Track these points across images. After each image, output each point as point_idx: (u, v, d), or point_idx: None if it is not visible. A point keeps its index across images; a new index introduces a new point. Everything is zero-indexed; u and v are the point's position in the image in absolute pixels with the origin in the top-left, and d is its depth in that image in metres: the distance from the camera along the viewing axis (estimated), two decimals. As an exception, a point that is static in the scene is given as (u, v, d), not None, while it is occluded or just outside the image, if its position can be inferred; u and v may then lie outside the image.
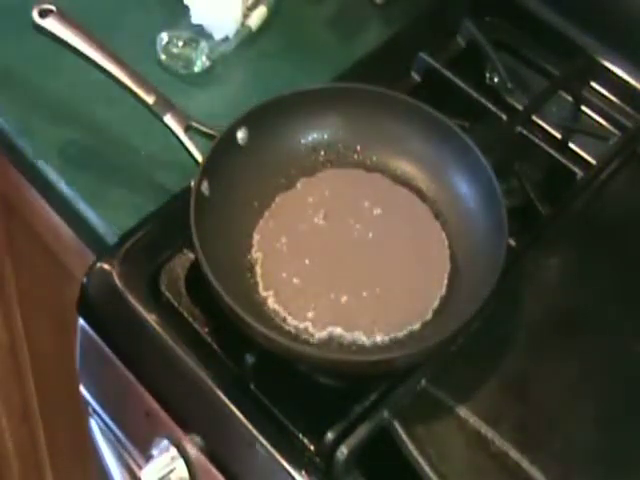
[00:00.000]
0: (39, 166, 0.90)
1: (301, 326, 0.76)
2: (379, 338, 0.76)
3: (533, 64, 0.99)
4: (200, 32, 0.98)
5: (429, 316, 0.77)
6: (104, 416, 0.88)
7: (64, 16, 0.83)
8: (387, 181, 0.84)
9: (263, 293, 0.78)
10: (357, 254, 0.80)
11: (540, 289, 0.83)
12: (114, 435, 0.88)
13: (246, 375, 0.76)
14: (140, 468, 0.81)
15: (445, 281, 0.79)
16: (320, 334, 0.76)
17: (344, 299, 0.78)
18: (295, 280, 0.78)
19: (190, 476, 0.79)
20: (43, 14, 0.83)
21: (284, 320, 0.77)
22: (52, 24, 0.83)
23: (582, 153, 0.94)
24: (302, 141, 0.86)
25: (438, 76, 0.94)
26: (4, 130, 0.92)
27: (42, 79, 0.95)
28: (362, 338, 0.76)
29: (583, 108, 0.96)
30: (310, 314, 0.76)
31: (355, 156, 0.86)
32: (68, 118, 0.93)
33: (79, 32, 0.83)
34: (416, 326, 0.77)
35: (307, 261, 0.79)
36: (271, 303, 0.77)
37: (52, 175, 0.89)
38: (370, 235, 0.81)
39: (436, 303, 0.78)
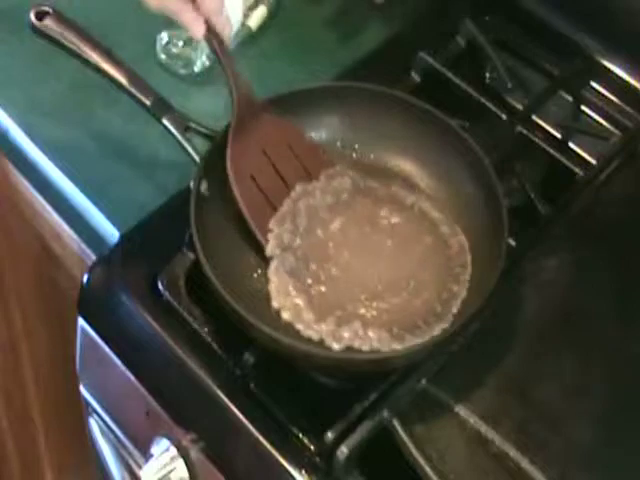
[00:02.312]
0: (39, 166, 0.90)
1: (313, 333, 0.75)
2: (397, 347, 0.75)
3: (533, 64, 0.99)
4: (200, 32, 0.98)
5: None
6: (104, 416, 0.88)
7: (62, 18, 0.83)
8: (403, 190, 0.84)
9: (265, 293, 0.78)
10: (372, 262, 0.79)
11: (540, 289, 0.83)
12: (114, 435, 0.88)
13: (246, 375, 0.76)
14: (140, 468, 0.81)
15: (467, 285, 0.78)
16: (335, 343, 0.75)
17: (357, 309, 0.76)
18: (305, 285, 0.77)
19: (190, 476, 0.79)
20: (40, 16, 0.83)
21: (286, 320, 0.76)
22: (49, 26, 0.83)
23: (582, 153, 0.94)
24: (301, 140, 0.85)
25: (438, 76, 0.94)
26: (4, 130, 0.92)
27: (42, 79, 0.95)
28: (378, 346, 0.75)
29: (583, 108, 0.96)
30: (313, 318, 0.76)
31: (353, 154, 0.86)
32: (68, 118, 0.93)
33: (76, 34, 0.83)
34: (436, 332, 0.76)
35: (314, 266, 0.78)
36: (275, 304, 0.77)
37: (52, 175, 0.89)
38: (388, 243, 0.80)
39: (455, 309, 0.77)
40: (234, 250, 0.80)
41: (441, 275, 0.79)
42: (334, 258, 0.79)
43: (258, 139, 0.81)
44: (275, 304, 0.77)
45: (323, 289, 0.77)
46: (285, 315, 0.76)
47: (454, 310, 0.77)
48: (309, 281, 0.77)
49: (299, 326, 0.75)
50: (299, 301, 0.76)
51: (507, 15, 1.01)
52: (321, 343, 0.75)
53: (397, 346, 0.74)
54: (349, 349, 0.74)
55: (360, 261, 0.79)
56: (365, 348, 0.74)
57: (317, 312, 0.76)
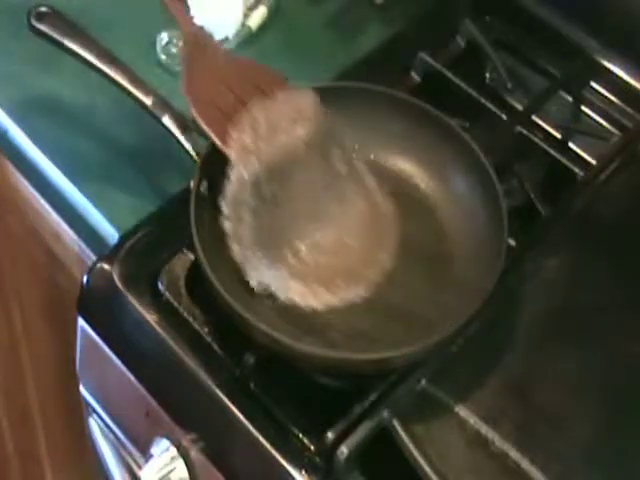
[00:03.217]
0: (39, 166, 0.90)
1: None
2: (313, 303, 0.77)
3: (533, 64, 0.99)
4: (200, 32, 0.98)
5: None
6: (104, 416, 0.88)
7: (61, 18, 0.83)
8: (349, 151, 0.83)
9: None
10: (312, 211, 0.79)
11: (540, 289, 0.83)
12: (114, 435, 0.88)
13: (246, 375, 0.76)
14: (140, 468, 0.81)
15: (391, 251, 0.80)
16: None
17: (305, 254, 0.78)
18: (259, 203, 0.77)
19: (190, 476, 0.79)
20: (40, 16, 0.83)
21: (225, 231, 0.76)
22: (49, 26, 0.83)
23: (582, 153, 0.94)
24: (301, 140, 0.85)
25: (438, 76, 0.94)
26: (4, 130, 0.92)
27: (42, 79, 0.95)
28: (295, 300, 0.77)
29: (583, 108, 0.96)
30: (249, 244, 0.76)
31: (353, 155, 0.86)
32: (68, 118, 0.93)
33: (76, 34, 0.83)
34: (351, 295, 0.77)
35: (271, 185, 0.77)
36: (225, 209, 0.76)
37: (52, 175, 0.89)
38: (330, 194, 0.80)
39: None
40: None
41: (370, 240, 0.80)
42: (287, 181, 0.78)
43: (212, 67, 0.80)
44: (225, 210, 0.76)
45: (270, 216, 0.76)
46: (227, 225, 0.75)
47: (373, 276, 0.78)
48: (265, 197, 0.76)
49: (234, 246, 0.75)
50: (247, 218, 0.75)
51: (507, 15, 1.01)
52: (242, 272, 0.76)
53: (313, 302, 0.76)
54: (268, 293, 0.76)
55: (303, 204, 0.79)
56: (282, 297, 0.76)
57: (256, 241, 0.76)
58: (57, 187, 0.89)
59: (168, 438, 0.79)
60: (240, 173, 0.75)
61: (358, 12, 1.04)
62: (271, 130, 0.77)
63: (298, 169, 0.78)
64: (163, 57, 0.96)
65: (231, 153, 0.76)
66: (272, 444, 0.73)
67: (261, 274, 0.76)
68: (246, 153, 0.76)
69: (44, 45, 0.84)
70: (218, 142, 0.76)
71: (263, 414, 0.75)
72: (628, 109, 0.95)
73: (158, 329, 0.78)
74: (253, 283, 0.76)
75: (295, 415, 0.75)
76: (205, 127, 0.76)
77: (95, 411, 0.89)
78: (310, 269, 0.78)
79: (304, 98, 0.80)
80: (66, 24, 0.83)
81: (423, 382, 0.75)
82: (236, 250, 0.76)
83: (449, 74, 0.93)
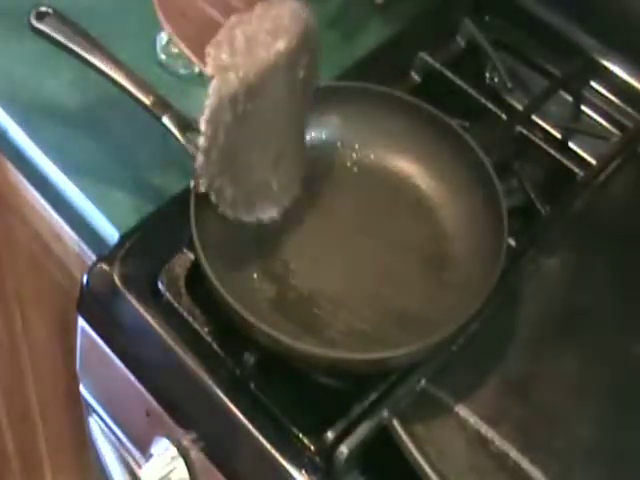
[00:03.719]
0: (39, 166, 0.90)
1: None
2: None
3: (533, 64, 0.99)
4: (200, 32, 0.98)
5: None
6: (104, 416, 0.88)
7: (61, 18, 0.83)
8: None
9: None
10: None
11: (540, 289, 0.83)
12: (114, 435, 0.88)
13: (246, 375, 0.76)
14: (140, 468, 0.81)
15: None
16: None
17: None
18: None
19: (190, 476, 0.79)
20: (40, 16, 0.83)
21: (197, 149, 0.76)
22: (49, 26, 0.83)
23: (582, 153, 0.94)
24: (301, 140, 0.85)
25: (438, 76, 0.94)
26: (4, 130, 0.92)
27: (42, 79, 0.95)
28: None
29: (583, 108, 0.96)
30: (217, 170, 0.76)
31: (353, 154, 0.86)
32: (68, 118, 0.93)
33: (76, 34, 0.82)
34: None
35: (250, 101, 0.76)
36: (203, 126, 0.75)
37: (52, 175, 0.89)
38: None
39: None
40: (234, 250, 0.80)
41: (292, 171, 0.82)
42: (262, 97, 0.76)
43: None
44: (202, 126, 0.74)
45: (238, 134, 0.76)
46: (201, 140, 0.74)
47: (285, 201, 0.81)
48: (241, 114, 0.75)
49: (199, 157, 0.75)
50: (221, 137, 0.75)
51: (507, 15, 1.01)
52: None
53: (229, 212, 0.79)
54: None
55: (266, 125, 0.78)
56: (213, 199, 0.77)
57: (222, 158, 0.76)
58: (57, 187, 0.89)
59: (168, 438, 0.79)
60: (218, 90, 0.74)
61: (358, 12, 1.04)
62: (249, 44, 0.75)
63: (273, 84, 0.76)
64: (163, 57, 0.96)
65: (208, 70, 0.74)
66: (272, 444, 0.73)
67: (216, 181, 0.76)
68: (224, 69, 0.74)
69: (44, 45, 0.84)
70: (194, 58, 0.75)
71: (263, 414, 0.75)
72: (628, 109, 0.95)
73: (158, 329, 0.78)
74: (202, 185, 0.76)
75: (295, 415, 0.75)
76: (179, 42, 0.75)
77: (95, 411, 0.89)
78: (243, 186, 0.79)
79: (283, 9, 0.78)
80: (66, 24, 0.83)
81: (423, 382, 0.75)
82: (200, 160, 0.75)
83: (449, 74, 0.93)
